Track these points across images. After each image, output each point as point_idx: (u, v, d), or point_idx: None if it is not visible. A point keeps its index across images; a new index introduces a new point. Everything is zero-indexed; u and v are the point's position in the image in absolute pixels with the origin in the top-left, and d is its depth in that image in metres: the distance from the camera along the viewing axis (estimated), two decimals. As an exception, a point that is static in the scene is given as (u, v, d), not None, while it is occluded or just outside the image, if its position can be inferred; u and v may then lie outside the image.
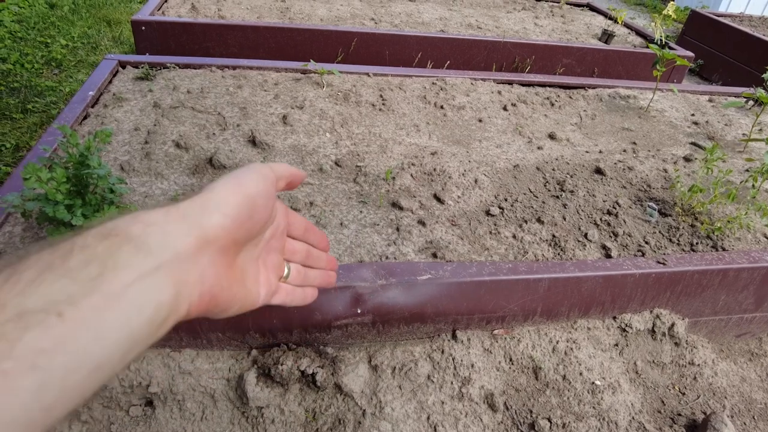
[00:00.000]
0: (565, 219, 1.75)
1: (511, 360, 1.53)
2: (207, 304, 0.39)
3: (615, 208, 1.82)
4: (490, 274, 1.46)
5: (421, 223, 1.63)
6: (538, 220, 1.71)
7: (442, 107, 2.36)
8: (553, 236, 1.67)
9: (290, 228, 0.54)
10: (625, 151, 2.30)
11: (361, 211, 1.65)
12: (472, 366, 1.47)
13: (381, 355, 1.39)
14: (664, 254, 1.67)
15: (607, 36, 4.08)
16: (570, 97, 2.78)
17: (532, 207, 1.78)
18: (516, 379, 1.51)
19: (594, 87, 2.93)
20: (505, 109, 2.46)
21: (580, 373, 1.53)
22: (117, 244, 0.32)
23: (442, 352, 1.48)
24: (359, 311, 1.40)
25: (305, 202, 1.64)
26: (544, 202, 1.81)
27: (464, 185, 1.82)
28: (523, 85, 2.81)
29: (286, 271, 0.55)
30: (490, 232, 1.65)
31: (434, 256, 1.52)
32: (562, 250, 1.63)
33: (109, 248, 0.32)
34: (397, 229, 1.59)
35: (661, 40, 3.87)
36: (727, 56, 4.94)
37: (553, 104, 2.65)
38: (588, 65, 3.67)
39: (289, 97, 2.25)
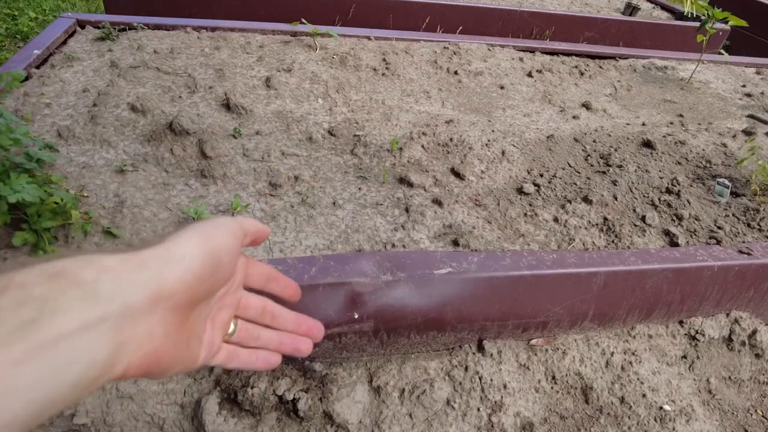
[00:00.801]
0: (616, 199, 1.39)
1: (553, 378, 1.18)
2: (148, 365, 0.35)
3: (675, 186, 1.46)
4: (530, 267, 1.11)
5: (437, 202, 1.28)
6: (585, 200, 1.35)
7: (456, 73, 2.01)
8: (605, 219, 1.32)
9: (249, 279, 0.47)
10: (671, 123, 1.95)
11: (359, 189, 1.30)
12: (505, 387, 1.12)
13: (385, 373, 1.05)
14: (745, 242, 1.31)
15: (631, 9, 3.72)
16: (600, 67, 2.43)
17: (575, 184, 1.42)
18: (560, 403, 1.16)
19: (626, 57, 2.58)
20: (529, 75, 2.11)
21: (643, 395, 1.18)
22: (63, 286, 0.29)
23: (466, 368, 1.13)
24: (357, 316, 1.05)
25: (288, 177, 1.29)
26: (588, 178, 1.45)
27: (489, 158, 1.46)
28: (546, 53, 2.45)
29: (231, 327, 0.46)
30: (525, 215, 1.29)
31: (455, 243, 1.17)
32: (616, 236, 1.28)
33: (53, 290, 0.28)
34: (407, 210, 1.24)
35: (691, 13, 3.50)
36: (757, 35, 4.57)
37: (582, 73, 2.29)
38: (612, 38, 3.31)
39: (275, 59, 1.90)
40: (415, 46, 2.20)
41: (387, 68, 1.96)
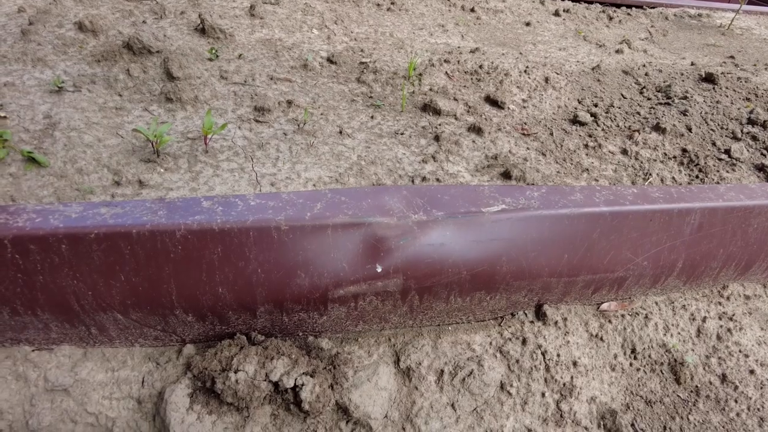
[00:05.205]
0: (690, 130, 1.11)
1: (633, 352, 0.90)
2: None
3: (757, 117, 1.19)
4: (608, 202, 0.82)
5: (475, 130, 0.99)
6: (656, 128, 1.07)
7: (473, 10, 1.73)
8: (683, 151, 1.04)
9: None
10: (724, 63, 1.69)
11: (372, 117, 1.01)
12: (575, 364, 0.84)
13: (416, 350, 0.77)
14: None
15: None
16: (629, 14, 2.16)
17: (638, 113, 1.14)
18: (645, 383, 0.88)
19: (653, 6, 2.31)
20: (556, 14, 1.83)
21: (751, 371, 0.91)
22: None
23: (523, 341, 0.85)
24: (380, 270, 0.76)
25: (279, 102, 0.99)
26: (652, 108, 1.17)
27: (530, 85, 1.18)
28: (568, -1, 2.18)
29: None
30: (586, 146, 1.01)
31: (506, 176, 0.88)
32: (701, 170, 1.00)
33: None
34: (436, 139, 0.95)
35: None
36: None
37: (611, 18, 2.02)
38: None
39: (261, -8, 1.59)
40: (422, -15, 1.92)
41: (393, 3, 1.67)
